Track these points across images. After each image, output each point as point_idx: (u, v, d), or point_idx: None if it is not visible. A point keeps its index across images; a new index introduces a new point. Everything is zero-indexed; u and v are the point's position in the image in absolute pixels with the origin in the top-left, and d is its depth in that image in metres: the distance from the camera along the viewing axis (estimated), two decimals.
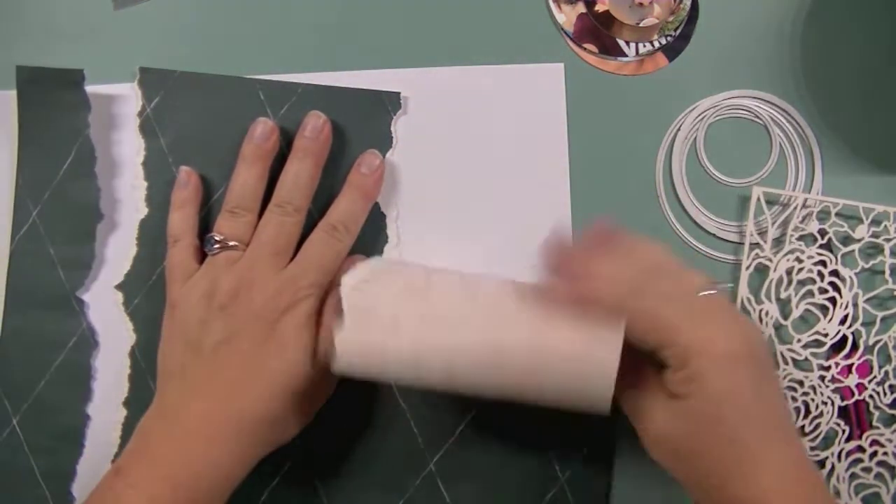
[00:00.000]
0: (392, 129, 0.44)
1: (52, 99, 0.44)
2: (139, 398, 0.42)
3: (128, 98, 0.45)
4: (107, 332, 0.44)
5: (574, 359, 0.34)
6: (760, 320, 0.42)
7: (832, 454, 0.41)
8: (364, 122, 0.43)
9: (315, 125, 0.41)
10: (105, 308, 0.44)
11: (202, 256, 0.41)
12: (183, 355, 0.38)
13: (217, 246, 0.39)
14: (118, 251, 0.44)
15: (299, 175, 0.40)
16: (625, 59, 0.45)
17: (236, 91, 0.44)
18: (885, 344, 0.42)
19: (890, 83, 0.44)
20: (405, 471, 0.42)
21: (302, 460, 0.42)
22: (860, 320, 0.42)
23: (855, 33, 0.44)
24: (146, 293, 0.43)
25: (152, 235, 0.43)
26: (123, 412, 0.43)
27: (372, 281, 0.36)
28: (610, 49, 0.45)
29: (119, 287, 0.43)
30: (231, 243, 0.39)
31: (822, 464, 0.41)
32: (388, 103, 0.44)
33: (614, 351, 0.33)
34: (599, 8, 0.45)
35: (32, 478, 0.42)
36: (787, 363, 0.42)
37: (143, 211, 0.44)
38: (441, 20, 0.45)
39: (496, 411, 0.41)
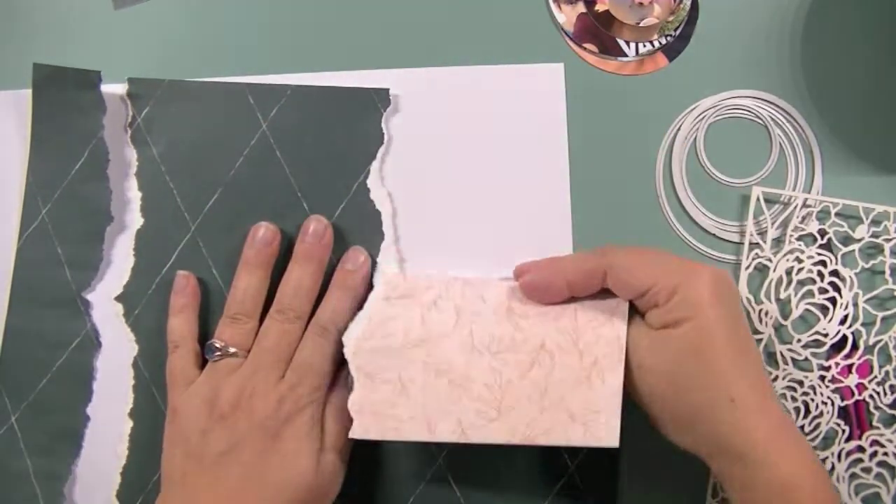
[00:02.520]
0: (383, 125, 0.44)
1: (68, 99, 0.44)
2: (144, 409, 0.43)
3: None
4: (110, 334, 0.44)
5: (579, 421, 0.37)
6: (760, 320, 0.42)
7: (832, 454, 0.41)
8: (354, 120, 0.44)
9: (317, 229, 0.41)
10: (109, 311, 0.44)
11: (203, 361, 0.41)
12: (184, 464, 0.37)
13: (218, 353, 0.39)
14: (125, 255, 0.44)
15: (301, 281, 0.40)
16: (625, 59, 0.45)
17: (225, 96, 0.44)
18: (886, 344, 0.41)
19: (890, 83, 0.44)
20: (414, 468, 0.42)
21: None
22: (860, 320, 0.42)
23: (855, 33, 0.44)
24: (146, 304, 0.43)
25: (149, 246, 0.43)
26: (129, 423, 0.43)
27: (371, 337, 0.38)
28: (610, 49, 0.45)
29: (118, 298, 0.43)
30: (232, 350, 0.39)
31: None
32: (378, 100, 0.44)
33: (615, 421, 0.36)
34: (599, 8, 0.45)
35: (26, 477, 0.42)
36: (787, 363, 0.42)
37: (139, 221, 0.44)
38: (441, 20, 0.45)
39: None
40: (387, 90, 0.44)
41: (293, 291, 0.40)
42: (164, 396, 0.42)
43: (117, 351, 0.43)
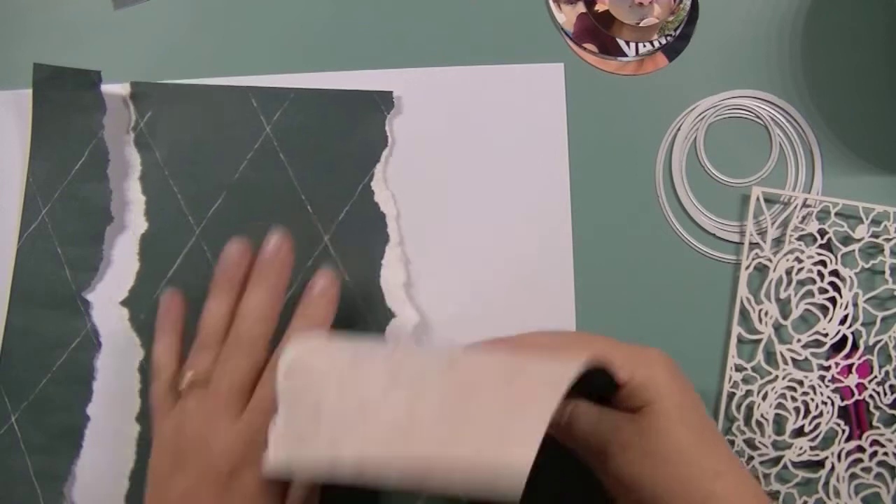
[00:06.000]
0: (387, 128, 0.44)
1: (68, 99, 0.44)
2: (151, 413, 0.42)
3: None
4: (111, 334, 0.43)
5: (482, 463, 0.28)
6: (760, 320, 0.42)
7: (832, 454, 0.41)
8: (358, 123, 0.44)
9: (274, 245, 0.39)
10: (109, 310, 0.44)
11: None
12: (152, 494, 0.36)
13: (187, 384, 0.37)
14: (125, 255, 0.44)
15: (258, 306, 0.37)
16: (625, 59, 0.45)
17: (229, 99, 0.44)
18: (885, 344, 0.41)
19: (890, 83, 0.44)
20: None
21: None
22: (860, 320, 0.42)
23: (855, 33, 0.44)
24: (151, 309, 0.43)
25: (153, 250, 0.43)
26: (137, 427, 0.42)
27: (303, 367, 0.33)
28: (610, 49, 0.45)
29: (124, 303, 0.43)
30: (201, 379, 0.37)
31: (821, 464, 0.41)
32: (381, 103, 0.44)
33: (530, 449, 0.27)
34: (599, 8, 0.45)
35: (26, 476, 0.42)
36: (787, 363, 0.42)
37: (143, 226, 0.44)
38: (441, 20, 0.45)
39: None
40: (390, 93, 0.44)
41: (250, 320, 0.37)
42: None
43: (123, 355, 0.43)
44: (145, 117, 0.44)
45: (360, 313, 0.42)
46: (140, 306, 0.43)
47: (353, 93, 0.44)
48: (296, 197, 0.43)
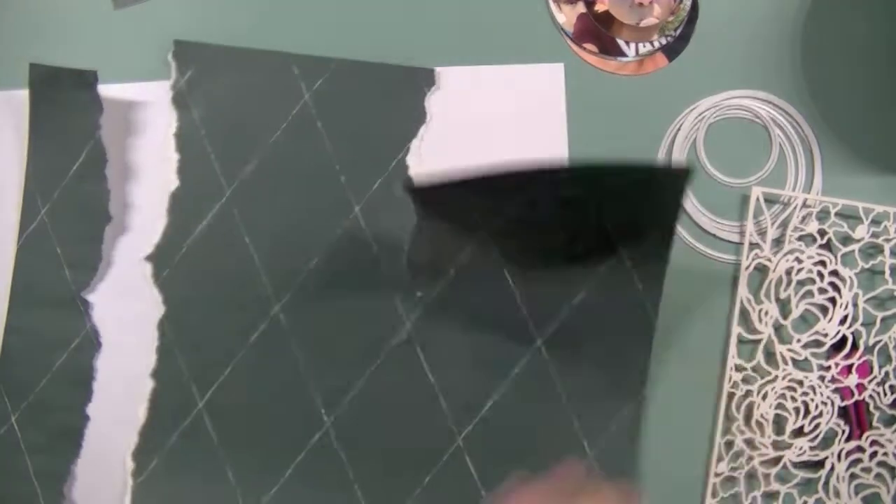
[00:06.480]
0: (426, 104, 0.44)
1: (65, 99, 0.44)
2: (167, 370, 0.43)
3: (143, 104, 0.45)
4: (116, 325, 0.44)
5: None
6: (760, 320, 0.42)
7: (832, 454, 0.41)
8: (398, 97, 0.43)
9: None
10: (109, 307, 0.44)
11: None
12: None
13: None
14: (153, 210, 0.44)
15: None
16: (625, 59, 0.45)
17: (271, 65, 0.44)
18: (885, 344, 0.41)
19: (890, 83, 0.44)
20: (433, 446, 0.41)
21: (330, 436, 0.42)
22: (860, 320, 0.42)
23: (855, 33, 0.44)
24: (176, 265, 0.43)
25: (182, 207, 0.43)
26: (151, 384, 0.42)
27: None
28: (610, 49, 0.45)
29: (149, 258, 0.43)
30: None
31: (821, 464, 0.41)
32: (422, 79, 0.44)
33: None
34: (599, 8, 0.45)
35: (26, 476, 0.42)
36: (787, 363, 0.42)
37: (175, 183, 0.44)
38: (441, 20, 0.45)
39: (524, 386, 0.41)
40: (432, 70, 0.44)
41: None
42: (186, 359, 0.42)
43: (143, 311, 0.43)
44: (185, 76, 0.44)
45: (387, 287, 0.42)
46: (164, 262, 0.43)
47: (395, 67, 0.44)
48: (330, 166, 0.43)
